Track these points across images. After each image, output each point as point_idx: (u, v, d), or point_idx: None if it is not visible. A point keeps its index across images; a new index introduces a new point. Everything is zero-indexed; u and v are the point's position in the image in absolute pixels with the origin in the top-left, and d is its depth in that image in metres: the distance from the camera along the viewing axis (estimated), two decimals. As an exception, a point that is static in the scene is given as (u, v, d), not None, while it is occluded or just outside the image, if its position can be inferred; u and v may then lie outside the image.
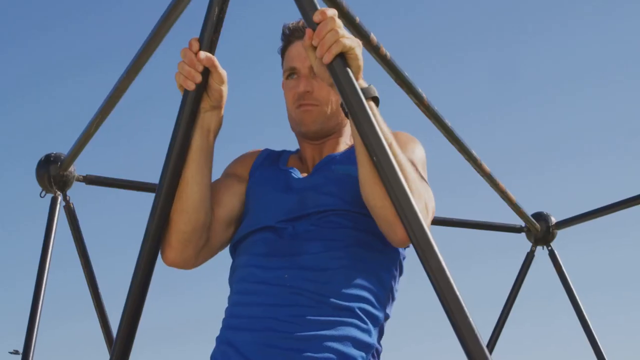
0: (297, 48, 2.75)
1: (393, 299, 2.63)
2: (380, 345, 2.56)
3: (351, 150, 2.68)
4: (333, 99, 2.72)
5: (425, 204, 2.38)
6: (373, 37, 2.87)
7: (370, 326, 2.50)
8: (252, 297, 2.51)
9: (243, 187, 2.77)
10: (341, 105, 2.46)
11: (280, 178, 2.72)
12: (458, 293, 2.07)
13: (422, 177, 2.51)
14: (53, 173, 4.20)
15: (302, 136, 2.80)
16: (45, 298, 4.01)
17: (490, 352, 5.09)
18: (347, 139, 2.84)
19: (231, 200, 2.71)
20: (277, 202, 2.63)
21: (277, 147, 2.96)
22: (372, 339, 2.50)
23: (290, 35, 2.79)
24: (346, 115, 2.42)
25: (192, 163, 2.45)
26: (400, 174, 2.17)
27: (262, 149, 2.91)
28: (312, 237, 2.54)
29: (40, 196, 4.26)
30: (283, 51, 2.83)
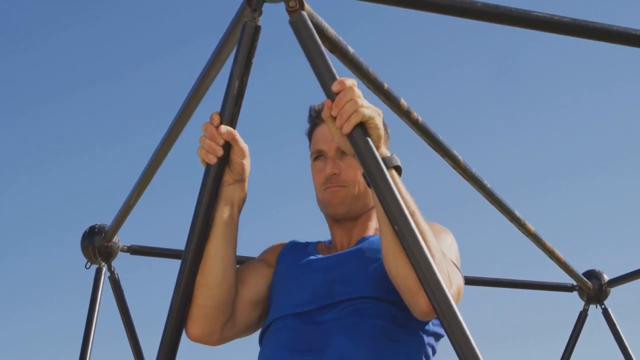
0: (323, 130, 2.78)
1: None
2: None
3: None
4: (361, 180, 2.71)
5: (448, 275, 2.34)
6: (403, 102, 2.85)
7: None
8: None
9: (270, 271, 2.77)
10: (363, 175, 2.45)
11: (307, 263, 2.72)
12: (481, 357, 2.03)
13: (449, 259, 2.49)
14: (97, 244, 4.24)
15: (330, 218, 2.81)
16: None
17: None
18: (376, 222, 2.81)
19: (257, 281, 2.71)
20: (303, 288, 2.62)
21: (301, 232, 2.98)
22: None
23: (317, 118, 2.82)
24: (368, 184, 2.40)
25: (214, 237, 2.46)
26: (422, 243, 2.15)
27: (289, 241, 2.91)
28: (337, 328, 2.50)
29: (86, 267, 4.30)
30: (310, 133, 2.86)
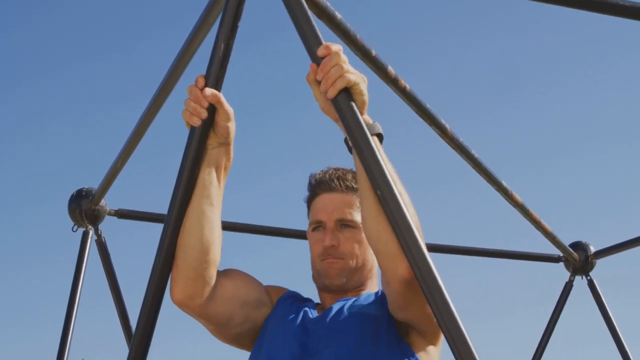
0: (323, 201, 2.76)
1: None
2: None
3: (369, 293, 2.72)
4: (359, 253, 2.71)
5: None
6: (391, 69, 2.85)
7: None
8: None
9: (265, 297, 2.75)
10: (345, 140, 2.43)
11: (299, 317, 2.69)
12: (462, 326, 2.05)
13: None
14: (85, 207, 4.25)
15: (324, 289, 2.76)
16: (75, 332, 4.05)
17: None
18: (366, 289, 2.78)
19: (249, 288, 2.70)
20: (288, 341, 2.60)
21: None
22: None
23: (317, 187, 2.79)
24: (349, 150, 2.40)
25: (195, 198, 2.45)
26: (404, 209, 2.16)
27: (292, 290, 2.86)
28: None
29: (72, 230, 4.31)
30: (309, 202, 2.83)
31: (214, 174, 2.47)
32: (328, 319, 2.63)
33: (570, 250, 5.12)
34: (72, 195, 4.30)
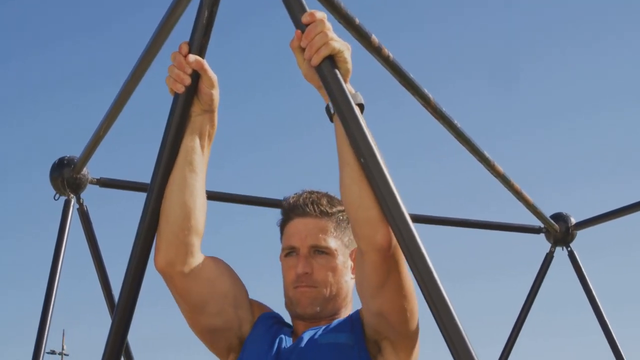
0: (296, 226, 2.69)
1: None
2: None
3: (340, 320, 2.65)
4: (333, 281, 2.65)
5: None
6: (374, 38, 2.83)
7: None
8: None
9: (244, 300, 2.70)
10: (326, 109, 2.42)
11: (274, 345, 2.63)
12: (444, 292, 2.08)
13: None
14: (66, 176, 4.23)
15: (297, 317, 2.70)
16: (57, 300, 4.05)
17: (508, 354, 5.05)
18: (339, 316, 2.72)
19: (231, 280, 2.67)
20: None
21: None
22: None
23: (290, 211, 2.73)
24: (330, 119, 2.39)
25: (177, 164, 2.45)
26: (388, 176, 2.17)
27: (275, 312, 2.80)
28: None
29: (54, 199, 4.29)
30: (282, 226, 2.76)
31: (197, 141, 2.47)
32: (299, 350, 2.59)
33: (551, 221, 5.14)
34: (54, 164, 4.28)
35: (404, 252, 2.13)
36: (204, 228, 2.55)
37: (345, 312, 2.71)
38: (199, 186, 2.49)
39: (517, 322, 5.18)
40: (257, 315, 2.72)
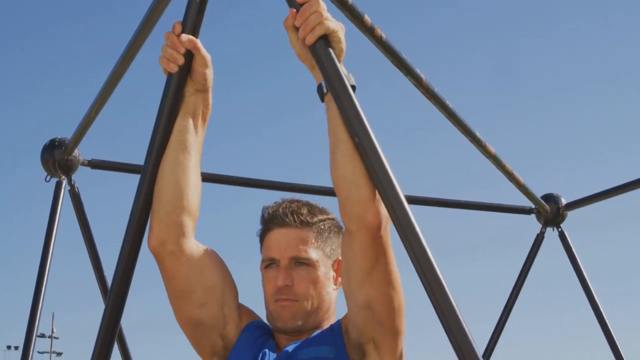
0: (276, 237, 2.62)
1: None
2: None
3: (321, 332, 2.59)
4: (314, 294, 2.59)
5: None
6: (367, 18, 2.83)
7: None
8: None
9: (233, 300, 2.64)
10: (317, 89, 2.41)
11: (258, 358, 2.57)
12: (438, 271, 2.08)
13: None
14: (58, 157, 4.22)
15: (278, 331, 2.64)
16: (49, 282, 4.04)
17: (499, 333, 5.07)
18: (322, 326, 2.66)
19: (222, 274, 2.61)
20: None
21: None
22: None
23: (270, 222, 2.66)
24: (321, 99, 2.38)
25: (171, 144, 2.44)
26: (382, 156, 2.18)
27: (261, 320, 2.72)
28: None
29: (45, 181, 4.29)
30: (262, 236, 2.69)
31: (190, 121, 2.47)
32: None
33: (542, 202, 5.16)
34: (45, 145, 4.27)
35: (398, 231, 2.12)
36: (197, 210, 2.53)
37: (328, 324, 2.64)
38: (191, 166, 2.47)
39: (508, 301, 5.20)
40: (245, 323, 2.66)
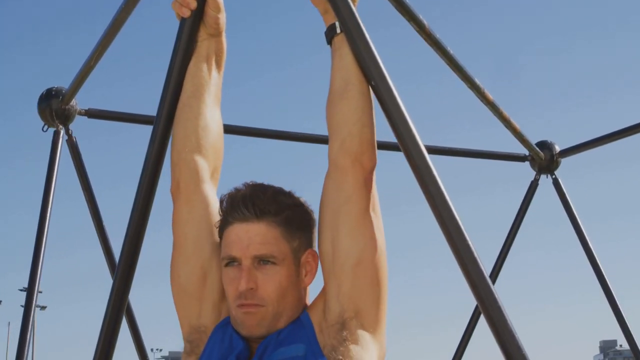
0: (237, 233, 2.29)
1: None
2: None
3: (292, 327, 2.32)
4: (281, 295, 2.29)
5: None
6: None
7: None
8: None
9: (213, 261, 2.41)
10: (325, 32, 2.40)
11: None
12: (456, 213, 2.14)
13: None
14: (55, 107, 4.20)
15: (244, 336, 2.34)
16: (50, 230, 4.04)
17: (495, 278, 5.11)
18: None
19: (208, 243, 2.42)
20: None
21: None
22: None
23: (229, 215, 2.33)
24: (329, 42, 2.36)
25: (184, 90, 2.44)
26: (398, 99, 2.20)
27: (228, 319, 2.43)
28: None
29: (43, 130, 4.26)
30: (221, 229, 2.36)
31: (204, 65, 2.46)
32: None
33: (537, 149, 5.18)
34: (42, 94, 4.24)
35: (415, 173, 2.15)
36: (215, 155, 2.49)
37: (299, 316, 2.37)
38: (205, 110, 2.46)
39: (502, 249, 5.22)
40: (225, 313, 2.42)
